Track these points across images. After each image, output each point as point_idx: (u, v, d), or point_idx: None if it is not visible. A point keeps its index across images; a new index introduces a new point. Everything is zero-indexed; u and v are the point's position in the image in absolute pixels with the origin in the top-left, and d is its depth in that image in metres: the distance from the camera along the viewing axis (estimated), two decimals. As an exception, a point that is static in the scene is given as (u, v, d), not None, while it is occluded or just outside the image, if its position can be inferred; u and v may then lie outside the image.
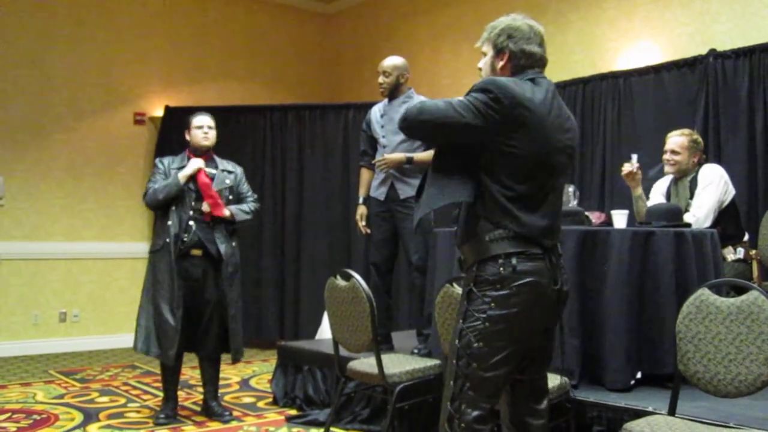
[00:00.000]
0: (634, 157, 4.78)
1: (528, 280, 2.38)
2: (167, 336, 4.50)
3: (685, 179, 4.67)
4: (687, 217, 4.40)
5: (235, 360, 4.76)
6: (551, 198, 2.49)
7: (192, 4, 8.56)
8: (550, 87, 2.51)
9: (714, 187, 4.49)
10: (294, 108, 7.99)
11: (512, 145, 2.38)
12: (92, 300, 7.80)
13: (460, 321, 2.46)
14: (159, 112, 8.13)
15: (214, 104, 8.04)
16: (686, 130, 4.78)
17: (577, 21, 6.84)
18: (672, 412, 2.86)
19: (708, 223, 4.42)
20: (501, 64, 2.56)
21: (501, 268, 2.38)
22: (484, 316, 2.39)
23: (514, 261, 2.38)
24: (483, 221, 2.45)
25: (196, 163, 4.64)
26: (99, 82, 7.91)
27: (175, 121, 7.96)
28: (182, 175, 4.58)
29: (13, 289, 7.38)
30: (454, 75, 7.92)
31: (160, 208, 4.64)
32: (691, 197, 4.57)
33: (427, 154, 4.63)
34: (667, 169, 4.74)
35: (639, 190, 4.79)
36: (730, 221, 4.53)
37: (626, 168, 4.73)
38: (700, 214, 4.44)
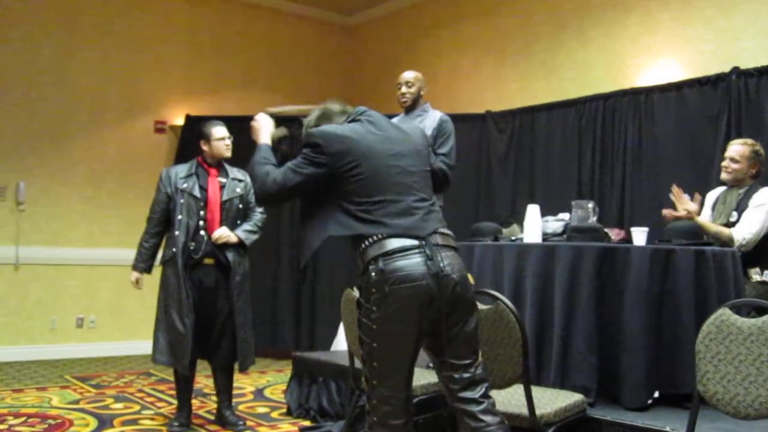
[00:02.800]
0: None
1: (396, 276, 2.62)
2: (179, 345, 4.52)
3: (737, 190, 4.63)
4: (735, 234, 4.38)
5: (243, 368, 4.75)
6: (409, 197, 2.79)
7: (214, 15, 8.62)
8: (366, 114, 2.96)
9: (766, 209, 4.43)
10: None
11: (351, 168, 2.76)
12: (109, 306, 7.83)
13: (358, 329, 2.75)
14: (179, 120, 8.18)
15: (234, 114, 8.07)
16: (749, 140, 4.74)
17: (598, 37, 6.82)
18: (690, 432, 2.83)
19: (753, 244, 4.39)
20: None
21: (372, 274, 2.65)
22: (370, 320, 2.66)
23: (380, 264, 2.64)
24: (354, 238, 2.75)
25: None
26: (121, 90, 7.98)
27: (196, 129, 7.92)
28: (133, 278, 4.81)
29: (31, 294, 7.44)
30: (475, 88, 7.92)
31: None
32: (737, 209, 4.53)
33: None
34: (723, 175, 4.70)
35: (697, 219, 4.59)
36: (766, 244, 4.48)
37: (678, 213, 4.59)
38: (749, 234, 4.39)
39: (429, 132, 4.74)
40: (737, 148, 4.66)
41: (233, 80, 8.73)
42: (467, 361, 2.76)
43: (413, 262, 2.64)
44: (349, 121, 2.97)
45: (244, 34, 8.83)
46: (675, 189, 4.55)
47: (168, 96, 8.29)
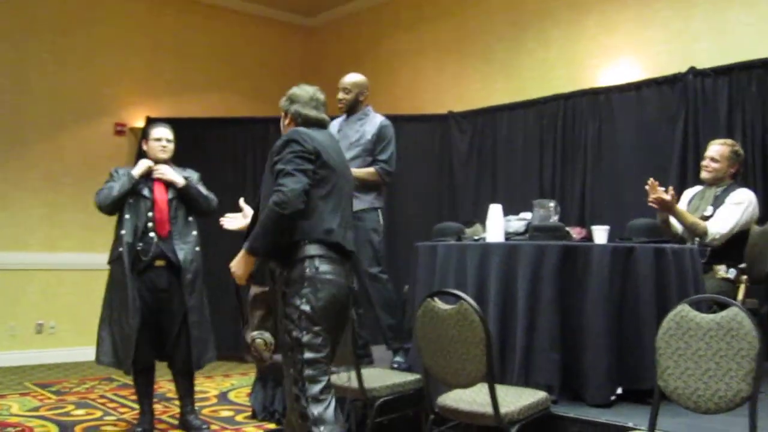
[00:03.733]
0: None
1: (329, 278, 3.06)
2: (123, 346, 4.45)
3: (715, 188, 4.68)
4: (709, 227, 4.43)
5: (198, 366, 4.67)
6: (343, 212, 3.21)
7: (174, 16, 8.55)
8: (325, 132, 3.37)
9: (743, 207, 4.48)
10: (275, 120, 7.81)
11: (317, 173, 3.13)
12: (69, 311, 7.71)
13: (284, 319, 3.07)
14: (140, 122, 8.08)
15: (195, 115, 8.03)
16: (729, 141, 4.79)
17: (558, 38, 6.89)
18: (652, 428, 2.86)
19: (724, 239, 4.44)
20: (285, 122, 3.43)
21: (307, 269, 3.03)
22: (299, 311, 3.02)
23: (316, 262, 3.04)
24: (296, 231, 3.07)
25: (145, 162, 4.62)
26: (80, 92, 7.87)
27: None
28: (135, 172, 4.58)
29: (-11, 300, 7.31)
30: (437, 89, 7.95)
31: (111, 209, 4.63)
32: (713, 205, 4.58)
33: (364, 171, 4.71)
34: (703, 174, 4.74)
35: (676, 207, 4.55)
36: (737, 244, 4.51)
37: (663, 195, 4.47)
38: (723, 229, 4.44)
39: (369, 137, 4.78)
40: (717, 148, 4.70)
41: (194, 82, 8.66)
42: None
43: (342, 269, 3.14)
44: (318, 126, 3.34)
45: (204, 36, 8.77)
46: (651, 181, 4.56)
47: (128, 98, 8.19)
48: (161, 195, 4.63)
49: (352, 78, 4.94)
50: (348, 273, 3.19)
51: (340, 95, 4.93)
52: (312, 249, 3.06)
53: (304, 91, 3.40)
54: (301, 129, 3.22)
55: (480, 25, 7.61)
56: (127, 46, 8.19)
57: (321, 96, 3.41)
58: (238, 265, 3.14)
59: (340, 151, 3.38)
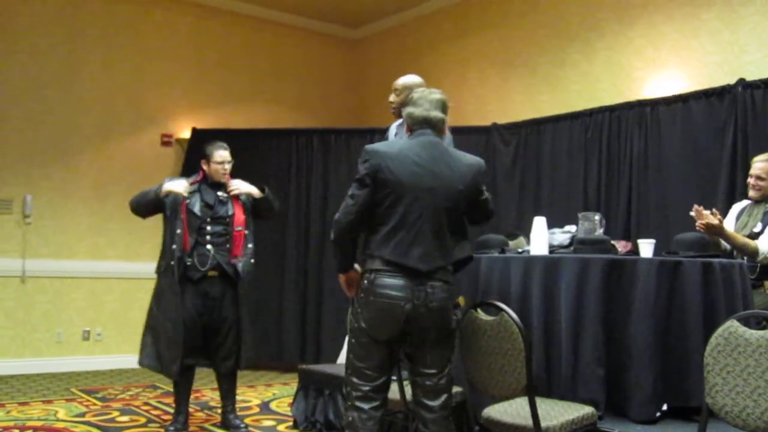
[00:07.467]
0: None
1: (382, 292, 3.04)
2: (170, 351, 4.65)
3: (765, 204, 4.60)
4: (759, 245, 4.35)
5: (245, 366, 4.92)
6: (410, 228, 3.07)
7: (219, 29, 8.66)
8: (423, 140, 3.18)
9: None
10: (319, 132, 8.03)
11: (383, 192, 3.08)
12: (115, 319, 7.83)
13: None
14: (186, 133, 8.20)
15: (240, 127, 8.11)
16: None
17: (603, 50, 6.83)
18: (699, 445, 2.82)
19: None
20: (406, 125, 3.32)
21: (365, 281, 3.10)
22: (355, 318, 3.15)
23: (373, 276, 3.07)
24: (363, 247, 3.18)
25: (179, 186, 4.83)
26: (127, 104, 8.01)
27: (202, 143, 7.99)
28: (164, 189, 4.82)
29: (37, 307, 7.44)
30: (480, 101, 7.93)
31: (138, 214, 5.07)
32: (762, 221, 4.51)
33: None
34: (751, 193, 4.67)
35: (726, 230, 4.44)
36: None
37: (711, 220, 4.35)
38: None
39: None
40: (761, 165, 4.60)
41: (239, 93, 8.76)
42: (432, 371, 3.12)
43: (398, 284, 3.03)
44: (412, 133, 3.24)
45: (249, 48, 8.87)
46: (696, 207, 4.46)
47: (174, 109, 8.31)
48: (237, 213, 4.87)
49: (404, 80, 4.83)
50: (412, 289, 3.02)
51: (391, 97, 4.81)
52: (374, 263, 3.09)
53: (416, 94, 3.31)
54: (377, 147, 3.16)
55: (524, 36, 7.58)
56: (174, 59, 8.32)
57: (432, 97, 3.28)
58: (341, 283, 3.34)
59: (429, 164, 3.12)
